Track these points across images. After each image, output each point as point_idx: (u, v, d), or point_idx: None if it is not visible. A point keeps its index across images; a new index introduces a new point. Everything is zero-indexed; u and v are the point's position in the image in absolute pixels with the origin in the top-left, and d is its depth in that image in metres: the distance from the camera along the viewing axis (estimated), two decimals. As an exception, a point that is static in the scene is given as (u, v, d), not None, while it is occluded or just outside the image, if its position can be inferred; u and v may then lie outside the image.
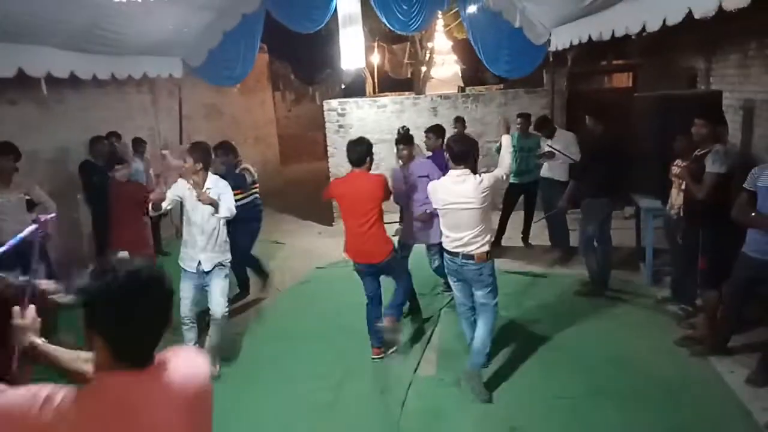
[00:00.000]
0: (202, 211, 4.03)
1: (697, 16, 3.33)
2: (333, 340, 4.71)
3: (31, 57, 4.62)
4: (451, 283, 4.07)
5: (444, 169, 4.14)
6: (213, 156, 4.49)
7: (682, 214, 4.41)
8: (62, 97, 6.23)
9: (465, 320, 4.11)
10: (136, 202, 4.74)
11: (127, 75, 6.19)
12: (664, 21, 3.73)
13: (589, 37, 5.32)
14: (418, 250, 5.02)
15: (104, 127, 6.57)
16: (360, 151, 4.03)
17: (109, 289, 1.25)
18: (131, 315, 1.27)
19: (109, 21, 4.94)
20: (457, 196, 3.68)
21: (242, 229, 5.16)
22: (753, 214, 3.54)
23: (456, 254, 3.77)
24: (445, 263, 3.95)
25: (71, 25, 4.74)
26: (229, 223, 4.22)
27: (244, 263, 5.51)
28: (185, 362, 1.41)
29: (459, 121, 6.86)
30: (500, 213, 6.94)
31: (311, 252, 7.24)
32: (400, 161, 4.97)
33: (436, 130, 5.72)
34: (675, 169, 4.49)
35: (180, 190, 4.10)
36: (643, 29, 4.13)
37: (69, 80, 5.34)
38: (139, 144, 6.95)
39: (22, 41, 4.48)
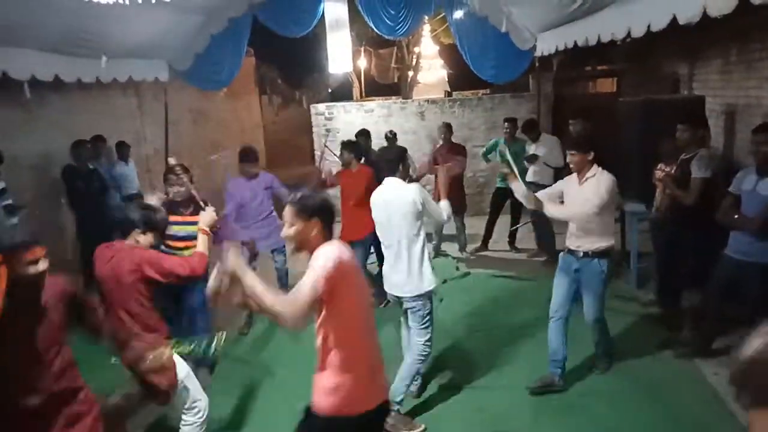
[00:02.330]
0: None
1: (681, 22, 3.37)
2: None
3: (14, 60, 4.55)
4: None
5: None
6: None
7: (666, 216, 4.46)
8: (46, 101, 6.15)
9: None
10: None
11: (113, 78, 6.13)
12: (649, 27, 3.78)
13: (575, 43, 5.37)
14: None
15: (88, 131, 6.50)
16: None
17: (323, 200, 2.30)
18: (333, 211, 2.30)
19: (94, 24, 4.88)
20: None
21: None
22: (736, 216, 3.61)
23: None
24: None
25: (55, 28, 4.68)
26: None
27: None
28: None
29: (446, 127, 6.86)
30: (487, 217, 6.99)
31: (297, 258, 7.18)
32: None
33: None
34: (659, 173, 4.55)
35: None
36: (628, 35, 4.18)
37: (53, 83, 5.27)
38: (123, 148, 6.89)
39: (5, 44, 4.42)
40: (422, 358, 3.59)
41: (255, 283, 2.03)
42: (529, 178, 6.53)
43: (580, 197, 3.63)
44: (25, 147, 5.92)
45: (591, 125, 5.76)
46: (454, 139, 6.86)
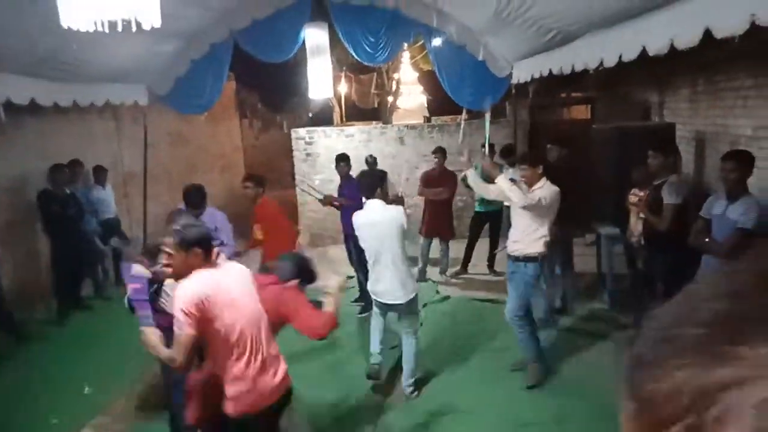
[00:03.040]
0: None
1: (651, 53, 3.51)
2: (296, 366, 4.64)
3: (-11, 83, 4.52)
4: None
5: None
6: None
7: (642, 241, 4.56)
8: (22, 124, 6.09)
9: None
10: None
11: (90, 102, 6.10)
12: (620, 57, 3.92)
13: (550, 71, 5.53)
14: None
15: (65, 155, 6.44)
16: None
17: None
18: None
19: (72, 49, 4.87)
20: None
21: None
22: (707, 240, 3.70)
23: None
24: None
25: (33, 52, 4.66)
26: None
27: None
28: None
29: (440, 152, 7.01)
30: (466, 241, 7.05)
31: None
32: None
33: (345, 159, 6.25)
34: (632, 198, 4.66)
35: None
36: (601, 64, 4.33)
37: (29, 107, 5.23)
38: (100, 172, 6.82)
39: (-19, 67, 4.39)
40: (417, 338, 4.27)
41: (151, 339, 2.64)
42: (507, 202, 6.62)
43: (537, 202, 4.06)
44: (1, 170, 5.83)
45: (567, 151, 5.89)
46: (429, 163, 6.98)
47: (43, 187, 5.93)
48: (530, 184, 4.15)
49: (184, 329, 2.36)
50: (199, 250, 2.44)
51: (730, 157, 3.71)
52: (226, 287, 2.50)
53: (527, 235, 4.11)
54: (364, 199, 4.18)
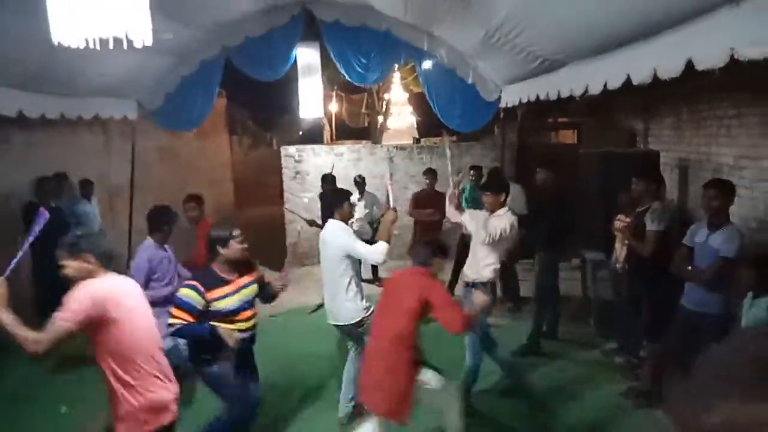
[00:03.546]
0: None
1: (635, 83, 3.59)
2: (287, 393, 4.59)
3: (-23, 96, 4.50)
4: None
5: None
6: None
7: (626, 267, 4.60)
8: (7, 136, 6.05)
9: None
10: None
11: (78, 115, 6.08)
12: (605, 85, 4.00)
13: (537, 96, 5.62)
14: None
15: (52, 168, 6.39)
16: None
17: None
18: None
19: (62, 63, 4.87)
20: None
21: None
22: (689, 267, 3.75)
23: None
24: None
25: (21, 66, 4.65)
26: None
27: None
28: None
29: (431, 173, 7.07)
30: (453, 263, 7.05)
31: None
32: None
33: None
34: (617, 224, 4.70)
35: None
36: (586, 91, 4.41)
37: (16, 119, 5.20)
38: (86, 185, 6.77)
39: (-32, 79, 4.38)
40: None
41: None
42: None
43: (495, 229, 4.18)
44: (-18, 182, 5.78)
45: (554, 174, 5.95)
46: (419, 184, 7.02)
47: (28, 200, 5.86)
48: (492, 210, 4.35)
49: (69, 320, 2.40)
50: (92, 258, 2.61)
51: (712, 185, 3.77)
52: (123, 295, 2.60)
53: (479, 261, 4.27)
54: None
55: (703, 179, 4.72)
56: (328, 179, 6.96)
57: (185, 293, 3.13)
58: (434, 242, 3.53)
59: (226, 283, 3.25)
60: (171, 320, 3.11)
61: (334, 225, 4.01)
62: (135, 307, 2.63)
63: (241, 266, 3.34)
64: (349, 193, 4.24)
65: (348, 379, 4.10)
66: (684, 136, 5.85)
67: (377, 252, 3.85)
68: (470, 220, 4.44)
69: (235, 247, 3.25)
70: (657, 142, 6.57)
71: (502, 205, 4.35)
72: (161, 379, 2.65)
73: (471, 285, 4.29)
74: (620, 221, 4.67)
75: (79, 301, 2.44)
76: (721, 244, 3.55)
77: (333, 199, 4.16)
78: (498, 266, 4.26)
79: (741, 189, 4.41)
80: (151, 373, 2.60)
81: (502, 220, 4.22)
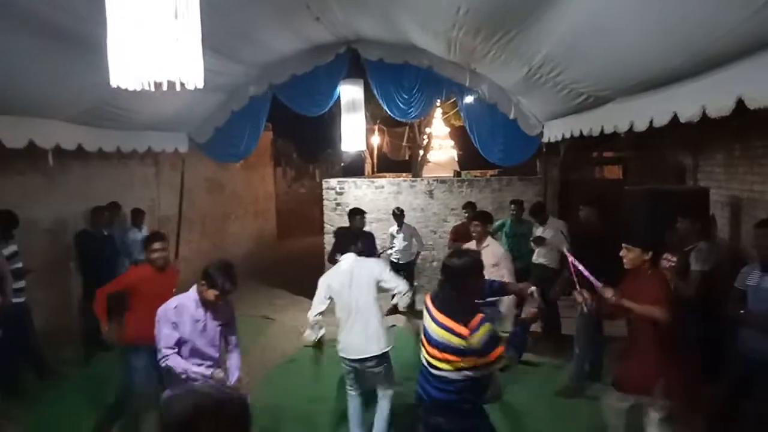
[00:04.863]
0: None
1: (682, 120, 3.52)
2: (318, 426, 4.56)
3: (40, 130, 4.79)
4: None
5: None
6: None
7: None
8: (67, 168, 6.38)
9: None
10: None
11: (132, 149, 6.37)
12: (651, 122, 3.93)
13: (580, 132, 5.56)
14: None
15: (105, 198, 6.68)
16: None
17: None
18: None
19: (118, 100, 5.15)
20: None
21: None
22: (743, 311, 3.57)
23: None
24: None
25: (82, 103, 4.94)
26: None
27: None
28: None
29: (470, 207, 7.08)
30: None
31: (301, 329, 7.13)
32: None
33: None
34: (664, 263, 4.55)
35: None
36: (631, 128, 4.34)
37: (74, 152, 5.50)
38: (138, 215, 7.03)
39: (33, 115, 4.67)
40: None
41: None
42: (536, 259, 6.54)
43: (483, 259, 4.02)
44: (43, 212, 6.10)
45: (599, 211, 5.83)
46: (458, 217, 7.01)
47: (82, 228, 6.14)
48: (479, 240, 4.74)
49: None
50: None
51: (764, 224, 3.62)
52: None
53: None
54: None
55: (756, 219, 4.53)
56: (396, 214, 7.02)
57: None
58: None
59: None
60: None
61: (355, 257, 4.08)
62: None
63: None
64: (357, 237, 4.46)
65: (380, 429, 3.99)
66: (737, 173, 5.64)
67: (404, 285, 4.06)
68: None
69: None
70: (707, 179, 6.36)
71: (488, 235, 4.81)
72: None
73: None
74: (667, 260, 4.52)
75: None
76: (777, 288, 3.38)
77: (348, 238, 4.38)
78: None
79: (798, 230, 4.20)
80: None
81: (487, 250, 4.58)
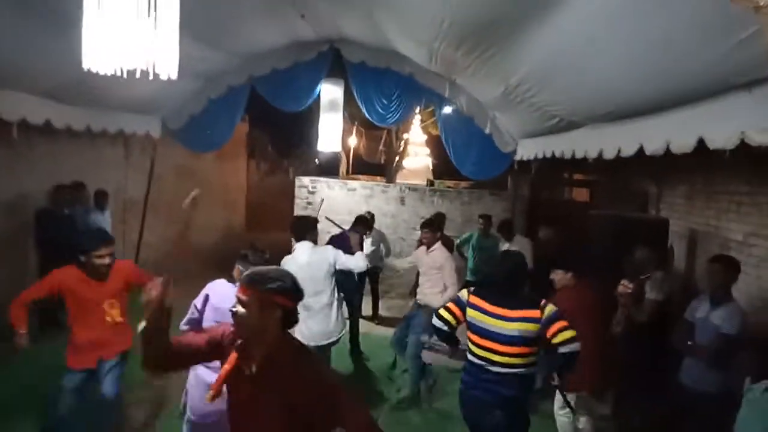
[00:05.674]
0: None
1: (647, 153, 3.63)
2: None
3: (5, 101, 4.65)
4: None
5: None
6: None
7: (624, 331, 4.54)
8: (33, 143, 6.20)
9: None
10: None
11: (103, 129, 6.23)
12: (619, 151, 4.04)
13: (552, 153, 5.68)
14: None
15: (71, 177, 6.52)
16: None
17: None
18: None
19: (91, 77, 5.01)
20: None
21: None
22: (690, 343, 3.69)
23: None
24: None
25: (51, 76, 4.81)
26: None
27: None
28: None
29: (438, 217, 7.00)
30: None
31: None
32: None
33: None
34: (621, 288, 4.67)
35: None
36: (601, 155, 4.45)
37: (42, 128, 5.35)
38: (101, 196, 6.88)
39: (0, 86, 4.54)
40: None
41: None
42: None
43: (430, 261, 5.07)
44: (4, 185, 5.90)
45: (558, 233, 5.96)
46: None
47: (43, 206, 5.98)
48: (428, 245, 5.14)
49: None
50: None
51: (716, 260, 3.75)
52: None
53: (427, 289, 5.06)
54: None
55: (710, 252, 4.69)
56: (361, 222, 6.88)
57: None
58: None
59: None
60: None
61: (311, 245, 4.31)
62: None
63: None
64: (315, 223, 4.58)
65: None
66: (695, 206, 5.83)
67: (361, 258, 4.38)
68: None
69: None
70: (668, 209, 6.55)
71: (437, 241, 5.16)
72: None
73: (420, 306, 5.08)
74: (624, 286, 4.64)
75: None
76: (723, 321, 3.50)
77: (307, 226, 4.47)
78: (447, 292, 4.74)
79: (748, 267, 4.37)
80: None
81: (434, 253, 5.06)
